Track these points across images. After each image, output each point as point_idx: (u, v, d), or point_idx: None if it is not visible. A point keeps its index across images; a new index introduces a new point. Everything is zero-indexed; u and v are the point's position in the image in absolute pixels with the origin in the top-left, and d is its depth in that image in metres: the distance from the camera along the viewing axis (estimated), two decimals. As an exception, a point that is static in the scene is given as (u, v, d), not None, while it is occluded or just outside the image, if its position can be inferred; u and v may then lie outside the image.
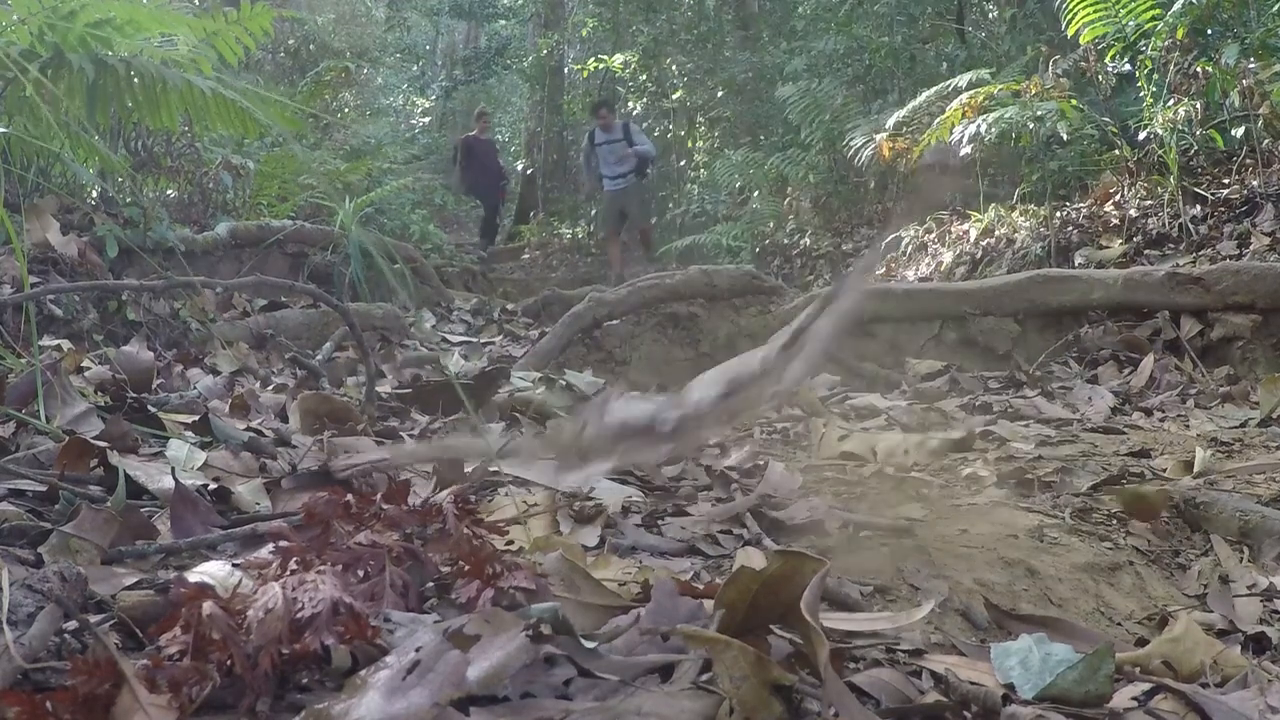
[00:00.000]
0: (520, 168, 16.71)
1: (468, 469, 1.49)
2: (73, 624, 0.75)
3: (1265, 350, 3.47)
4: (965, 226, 6.72)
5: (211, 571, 0.87)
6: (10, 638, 0.67)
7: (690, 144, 14.52)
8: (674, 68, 13.84)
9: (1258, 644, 1.01)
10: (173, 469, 1.26)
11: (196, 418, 1.69)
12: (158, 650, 0.66)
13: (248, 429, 1.76)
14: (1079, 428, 2.64)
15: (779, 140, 10.75)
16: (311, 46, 13.29)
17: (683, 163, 14.60)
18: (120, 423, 1.47)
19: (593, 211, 14.24)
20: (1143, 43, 5.60)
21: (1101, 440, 2.45)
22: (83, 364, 2.44)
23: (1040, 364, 3.63)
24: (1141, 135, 5.63)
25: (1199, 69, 5.34)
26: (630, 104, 15.65)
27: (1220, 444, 2.35)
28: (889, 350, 3.90)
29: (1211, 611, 1.26)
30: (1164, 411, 2.96)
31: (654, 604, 0.76)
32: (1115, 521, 1.65)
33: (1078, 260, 5.48)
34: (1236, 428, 2.64)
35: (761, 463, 1.95)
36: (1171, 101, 5.42)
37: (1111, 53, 5.86)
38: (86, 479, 1.23)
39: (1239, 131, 5.37)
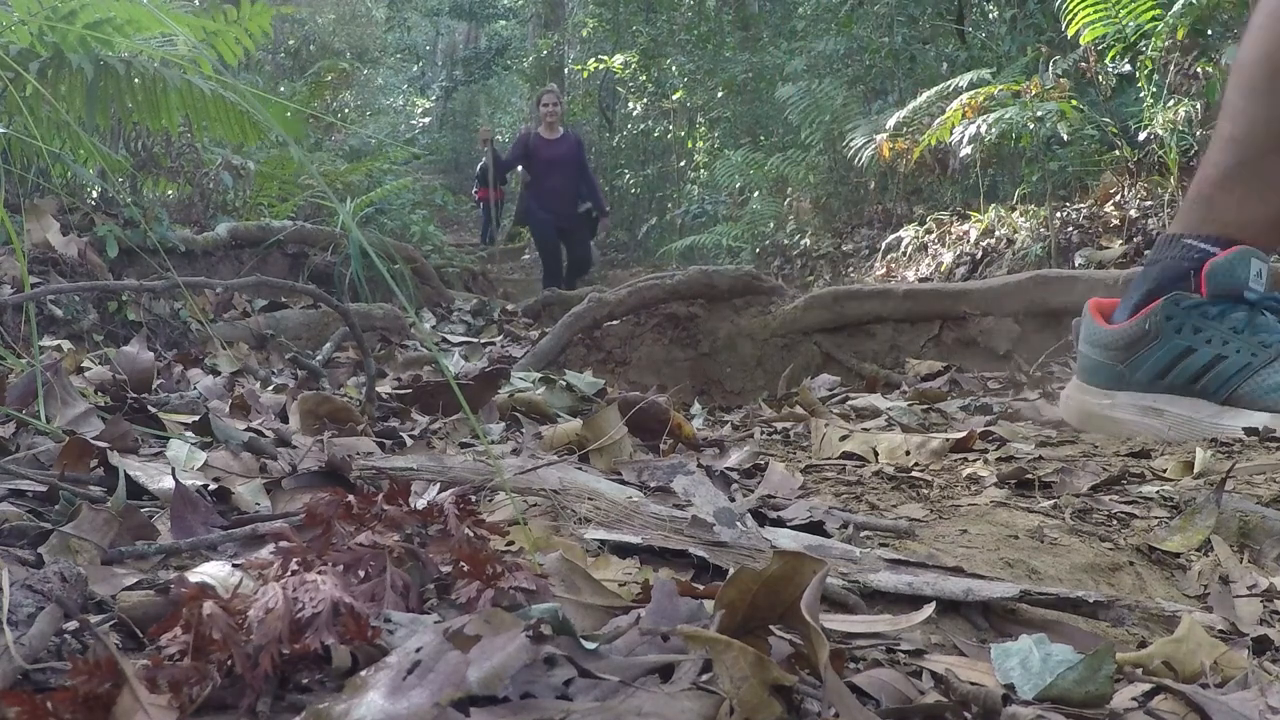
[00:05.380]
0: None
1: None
2: (73, 624, 0.75)
3: (1265, 351, 3.46)
4: (965, 227, 6.72)
5: (212, 571, 0.87)
6: (10, 638, 0.67)
7: (690, 144, 14.53)
8: (674, 68, 13.85)
9: (1258, 645, 1.01)
10: (173, 469, 1.26)
11: (196, 418, 1.69)
12: (158, 650, 0.66)
13: (248, 429, 1.76)
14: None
15: (779, 140, 10.77)
16: (312, 47, 13.31)
17: (683, 163, 14.61)
18: (120, 423, 1.47)
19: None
20: (1143, 43, 5.61)
21: (1102, 440, 2.45)
22: (83, 364, 2.44)
23: (1040, 364, 3.63)
24: (1142, 135, 5.63)
25: (1199, 69, 5.35)
26: (630, 104, 15.66)
27: (1220, 444, 2.35)
28: (889, 350, 3.90)
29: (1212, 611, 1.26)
30: (1164, 412, 2.96)
31: (654, 604, 0.76)
32: (1115, 521, 1.65)
33: (1078, 260, 5.49)
34: (1237, 428, 2.64)
35: (762, 463, 1.95)
36: (1172, 102, 5.42)
37: (1112, 53, 5.87)
38: (86, 479, 1.22)
39: (1239, 132, 5.36)
